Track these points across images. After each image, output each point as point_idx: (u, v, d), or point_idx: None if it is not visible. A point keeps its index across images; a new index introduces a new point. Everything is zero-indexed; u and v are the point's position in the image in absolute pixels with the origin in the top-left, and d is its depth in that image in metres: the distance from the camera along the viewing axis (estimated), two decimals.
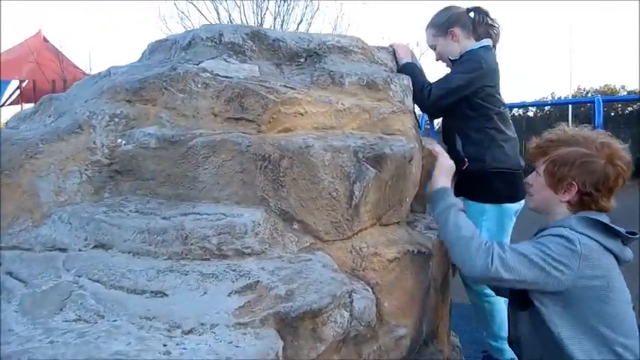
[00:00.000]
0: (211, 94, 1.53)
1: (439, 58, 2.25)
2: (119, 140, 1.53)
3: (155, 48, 1.95)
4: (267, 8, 9.89)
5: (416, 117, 1.96)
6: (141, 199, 1.45)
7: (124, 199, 1.46)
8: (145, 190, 1.49)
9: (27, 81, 10.22)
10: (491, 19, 2.19)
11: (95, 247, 1.30)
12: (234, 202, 1.39)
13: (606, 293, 1.34)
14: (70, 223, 1.35)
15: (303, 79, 1.68)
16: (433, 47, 2.24)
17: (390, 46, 2.11)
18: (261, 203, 1.38)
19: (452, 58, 2.17)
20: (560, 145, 1.46)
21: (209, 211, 1.34)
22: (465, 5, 2.22)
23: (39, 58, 9.28)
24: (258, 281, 1.18)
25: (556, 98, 16.68)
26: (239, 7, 9.88)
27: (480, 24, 2.17)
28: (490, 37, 2.17)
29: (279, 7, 9.85)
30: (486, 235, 1.97)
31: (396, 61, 2.05)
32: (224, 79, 1.55)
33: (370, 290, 1.42)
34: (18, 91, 10.58)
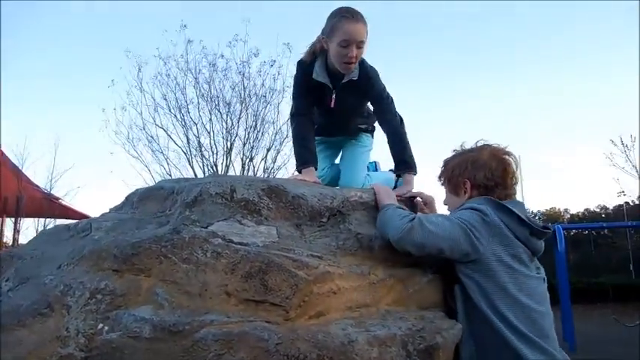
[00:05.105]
0: (224, 266, 1.24)
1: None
2: (100, 325, 1.19)
3: (145, 196, 1.67)
4: (237, 134, 9.96)
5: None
6: None
7: None
8: None
9: None
10: None
11: None
12: None
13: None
14: None
15: (328, 243, 1.43)
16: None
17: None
18: None
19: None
20: (451, 159, 1.68)
21: None
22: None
23: None
24: None
25: None
26: (209, 133, 9.90)
27: None
28: None
29: (248, 133, 9.93)
30: None
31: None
32: (240, 246, 1.28)
33: None
34: None
